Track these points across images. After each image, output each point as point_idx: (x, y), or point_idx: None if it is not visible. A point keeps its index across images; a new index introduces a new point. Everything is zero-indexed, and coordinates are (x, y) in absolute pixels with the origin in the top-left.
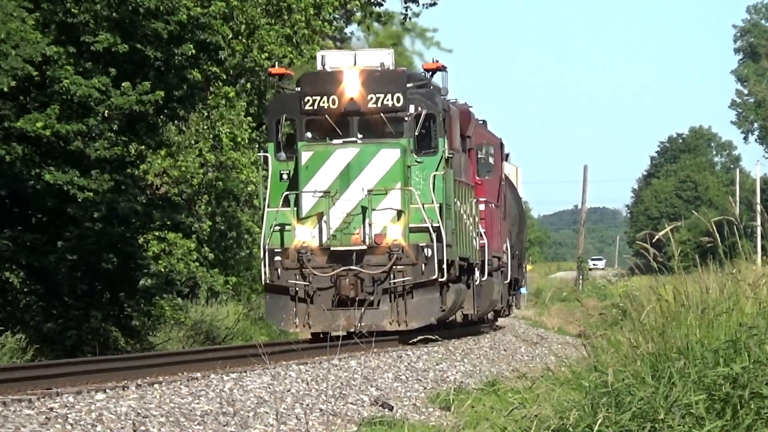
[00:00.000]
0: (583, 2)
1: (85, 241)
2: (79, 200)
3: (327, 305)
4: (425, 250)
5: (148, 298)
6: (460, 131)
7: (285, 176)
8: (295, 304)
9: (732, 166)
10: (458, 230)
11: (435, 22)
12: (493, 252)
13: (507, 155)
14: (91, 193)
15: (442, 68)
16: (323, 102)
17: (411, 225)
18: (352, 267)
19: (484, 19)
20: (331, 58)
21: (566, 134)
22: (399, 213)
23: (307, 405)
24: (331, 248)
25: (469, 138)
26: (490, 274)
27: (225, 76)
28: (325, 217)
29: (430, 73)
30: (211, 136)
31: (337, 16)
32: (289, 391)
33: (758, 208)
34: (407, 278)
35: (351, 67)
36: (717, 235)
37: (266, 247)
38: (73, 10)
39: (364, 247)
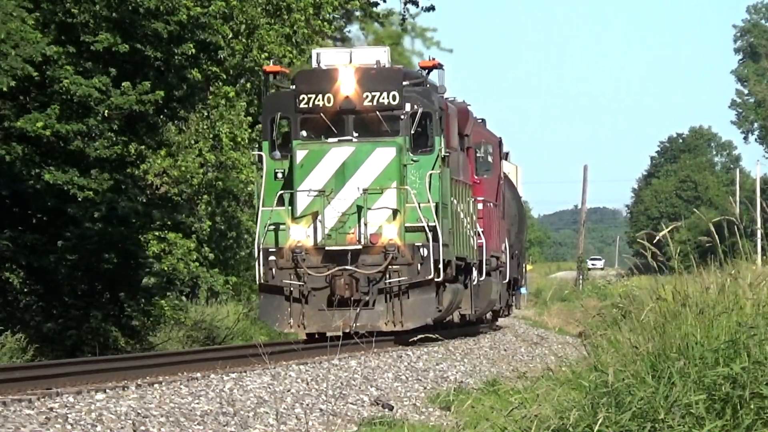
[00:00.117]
0: (583, 2)
1: (85, 241)
2: (79, 199)
3: (322, 305)
4: (421, 249)
5: (148, 297)
6: (458, 130)
7: (280, 175)
8: (289, 305)
9: (732, 166)
10: (455, 230)
11: (435, 21)
12: (491, 252)
13: (506, 154)
14: (91, 192)
15: (439, 66)
16: (318, 100)
17: (407, 224)
18: (347, 267)
19: (484, 18)
20: (326, 56)
21: (566, 134)
22: (395, 212)
23: (307, 405)
24: (326, 248)
25: (467, 136)
26: (488, 274)
27: (225, 76)
28: (320, 217)
29: (427, 70)
30: (211, 136)
31: (337, 15)
32: (289, 391)
33: (758, 208)
34: (403, 278)
35: (346, 64)
36: (717, 235)
37: (260, 247)
38: (72, 10)
39: (360, 247)
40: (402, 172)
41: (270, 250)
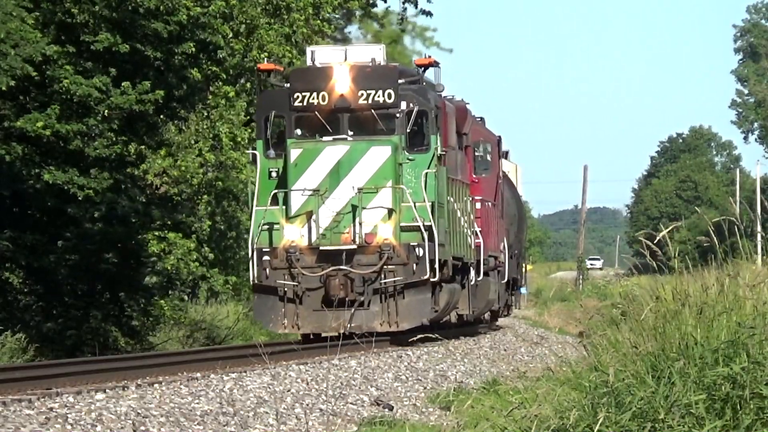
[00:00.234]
0: (583, 2)
1: (85, 241)
2: (80, 198)
3: (316, 306)
4: (416, 249)
5: (148, 297)
6: (455, 128)
7: (274, 174)
8: (283, 305)
9: (732, 166)
10: (452, 229)
11: (435, 21)
12: (489, 251)
13: (506, 153)
14: (91, 191)
15: (435, 64)
16: (313, 98)
17: (402, 224)
18: (341, 267)
19: (484, 18)
20: (321, 54)
21: (566, 134)
22: (390, 212)
23: (307, 405)
24: (321, 248)
25: (465, 135)
26: (486, 274)
27: (225, 76)
28: (314, 216)
29: (423, 68)
30: (211, 135)
31: (337, 15)
32: (289, 391)
33: (758, 207)
34: (398, 278)
35: (341, 62)
36: (717, 234)
37: (254, 247)
38: (72, 10)
39: (354, 247)
40: (397, 171)
41: (264, 250)
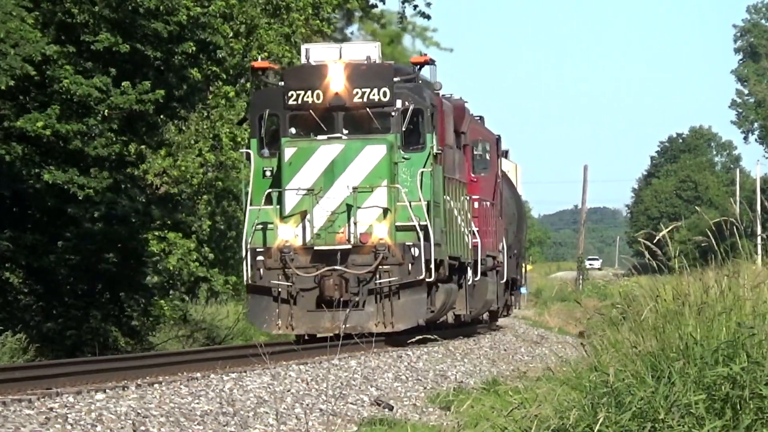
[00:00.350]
0: (583, 2)
1: (85, 241)
2: (80, 198)
3: (311, 306)
4: (412, 249)
5: (148, 297)
6: (453, 127)
7: (268, 173)
8: (277, 305)
9: (732, 166)
10: (448, 229)
11: (435, 20)
12: (487, 251)
13: (506, 152)
14: (91, 191)
15: (430, 62)
16: (307, 97)
17: (397, 223)
18: (336, 267)
19: (484, 18)
20: (315, 52)
21: (566, 134)
22: (385, 211)
23: (307, 405)
24: (315, 248)
25: (463, 134)
26: (484, 274)
27: (225, 76)
28: (308, 216)
29: (418, 66)
30: (211, 135)
31: (336, 16)
32: (289, 391)
33: (758, 207)
34: (393, 278)
35: (336, 60)
36: (717, 235)
37: (248, 247)
38: (72, 9)
39: (349, 247)
40: (393, 170)
41: (258, 249)
